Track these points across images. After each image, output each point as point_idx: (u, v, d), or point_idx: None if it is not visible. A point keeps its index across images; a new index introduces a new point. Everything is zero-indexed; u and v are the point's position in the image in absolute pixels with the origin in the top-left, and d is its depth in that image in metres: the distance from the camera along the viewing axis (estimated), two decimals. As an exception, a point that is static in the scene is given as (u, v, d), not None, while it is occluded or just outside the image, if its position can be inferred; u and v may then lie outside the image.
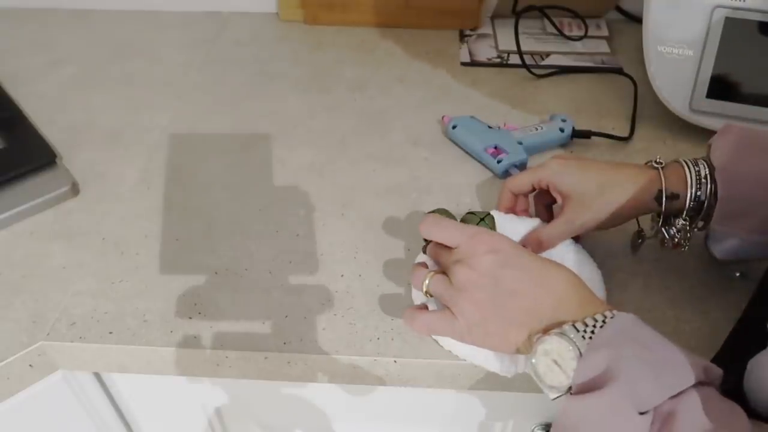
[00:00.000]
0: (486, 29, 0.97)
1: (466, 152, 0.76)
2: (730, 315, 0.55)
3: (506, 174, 0.72)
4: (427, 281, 0.51)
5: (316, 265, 0.63)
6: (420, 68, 0.90)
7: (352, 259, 0.64)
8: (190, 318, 0.59)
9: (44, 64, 0.90)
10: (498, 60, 0.91)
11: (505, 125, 0.77)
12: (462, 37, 0.96)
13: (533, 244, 0.57)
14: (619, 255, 0.63)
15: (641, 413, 0.39)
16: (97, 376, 0.67)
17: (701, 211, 0.54)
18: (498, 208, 0.61)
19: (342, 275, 0.62)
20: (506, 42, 0.94)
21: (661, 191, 0.55)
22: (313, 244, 0.65)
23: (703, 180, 0.54)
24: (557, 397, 0.43)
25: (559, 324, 0.44)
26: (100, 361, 0.59)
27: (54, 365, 0.60)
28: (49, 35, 0.97)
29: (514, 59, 0.91)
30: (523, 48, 0.90)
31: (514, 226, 0.61)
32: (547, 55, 0.92)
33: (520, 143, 0.73)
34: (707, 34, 0.71)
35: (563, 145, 0.77)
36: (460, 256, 0.49)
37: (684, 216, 0.55)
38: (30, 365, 0.58)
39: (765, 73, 0.71)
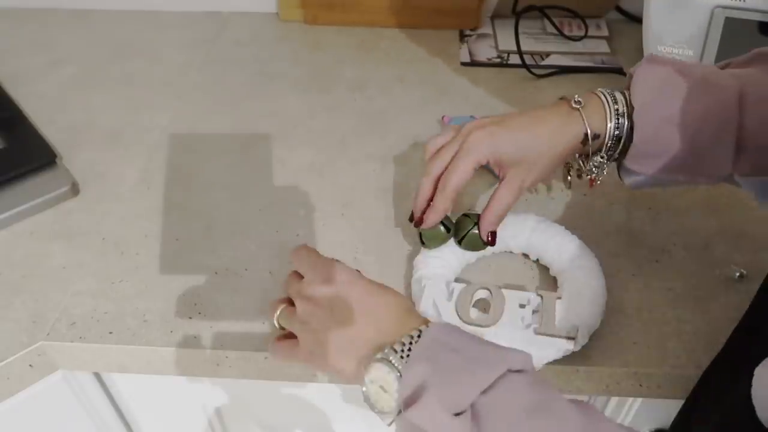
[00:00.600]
0: (486, 29, 0.97)
1: None
2: (730, 315, 0.55)
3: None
4: (278, 313, 0.51)
5: (316, 265, 0.63)
6: (420, 68, 0.90)
7: (352, 259, 0.64)
8: (190, 318, 0.59)
9: (44, 64, 0.90)
10: (498, 60, 0.91)
11: None
12: (462, 37, 0.96)
13: (490, 221, 0.57)
14: (620, 255, 0.63)
15: (458, 413, 0.39)
16: (97, 376, 0.67)
17: (617, 147, 0.56)
18: (432, 217, 0.58)
19: (342, 275, 0.62)
20: (506, 42, 0.94)
21: (586, 135, 0.55)
22: (313, 244, 0.65)
23: (620, 118, 0.54)
24: (391, 422, 0.44)
25: (382, 348, 0.44)
26: (100, 361, 0.59)
27: (54, 365, 0.60)
28: (49, 35, 0.97)
29: (514, 59, 0.91)
30: (523, 48, 0.90)
31: (513, 225, 0.61)
32: (547, 55, 0.92)
33: None
34: (707, 34, 0.71)
35: None
36: (302, 286, 0.49)
37: (601, 153, 0.56)
38: (30, 365, 0.58)
39: (765, 73, 0.70)
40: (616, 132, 0.55)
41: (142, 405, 0.71)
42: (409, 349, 0.43)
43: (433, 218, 0.57)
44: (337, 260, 0.50)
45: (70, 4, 1.01)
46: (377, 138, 0.78)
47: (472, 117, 0.77)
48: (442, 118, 0.79)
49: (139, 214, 0.69)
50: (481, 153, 0.55)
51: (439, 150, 0.58)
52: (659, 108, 0.53)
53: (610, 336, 0.56)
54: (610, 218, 0.67)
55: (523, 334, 0.54)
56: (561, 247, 0.60)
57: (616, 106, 0.55)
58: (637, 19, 0.96)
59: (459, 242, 0.59)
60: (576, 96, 0.56)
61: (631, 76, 0.55)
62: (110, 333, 0.58)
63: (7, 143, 0.74)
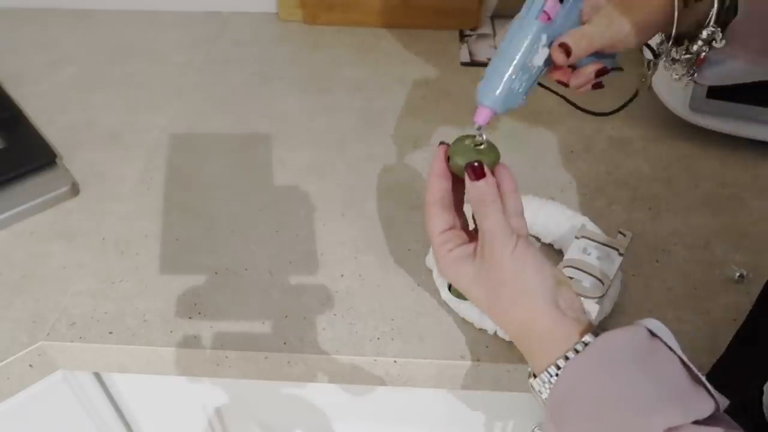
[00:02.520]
0: (486, 29, 0.97)
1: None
2: (731, 315, 0.55)
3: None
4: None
5: (316, 265, 0.63)
6: (420, 68, 0.90)
7: (352, 259, 0.64)
8: (190, 318, 0.59)
9: (44, 64, 0.90)
10: (498, 60, 0.91)
11: None
12: (462, 37, 0.96)
13: (574, 37, 0.49)
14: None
15: None
16: (97, 376, 0.67)
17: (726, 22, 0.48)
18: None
19: (342, 275, 0.62)
20: (506, 42, 0.94)
21: None
22: (313, 244, 0.65)
23: None
24: None
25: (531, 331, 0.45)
26: (100, 361, 0.59)
27: (54, 365, 0.60)
28: (49, 35, 0.97)
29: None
30: (523, 48, 0.90)
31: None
32: (547, 55, 0.92)
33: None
34: (707, 34, 0.70)
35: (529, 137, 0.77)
36: None
37: (712, 24, 0.48)
38: (30, 365, 0.58)
39: (765, 73, 0.70)
40: None
41: (142, 405, 0.71)
42: (550, 383, 0.42)
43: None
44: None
45: (70, 4, 1.01)
46: (377, 138, 0.78)
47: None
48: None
49: (139, 214, 0.69)
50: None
51: None
52: None
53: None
54: (610, 218, 0.67)
55: None
56: (563, 222, 0.62)
57: None
58: (637, 19, 0.96)
59: (449, 288, 0.58)
60: None
61: None
62: (110, 333, 0.58)
63: (7, 143, 0.74)
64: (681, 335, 0.56)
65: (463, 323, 0.58)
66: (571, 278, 0.56)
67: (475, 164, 0.47)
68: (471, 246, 0.48)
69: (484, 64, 0.90)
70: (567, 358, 0.41)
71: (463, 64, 0.91)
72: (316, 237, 0.66)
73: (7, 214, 0.67)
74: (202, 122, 0.81)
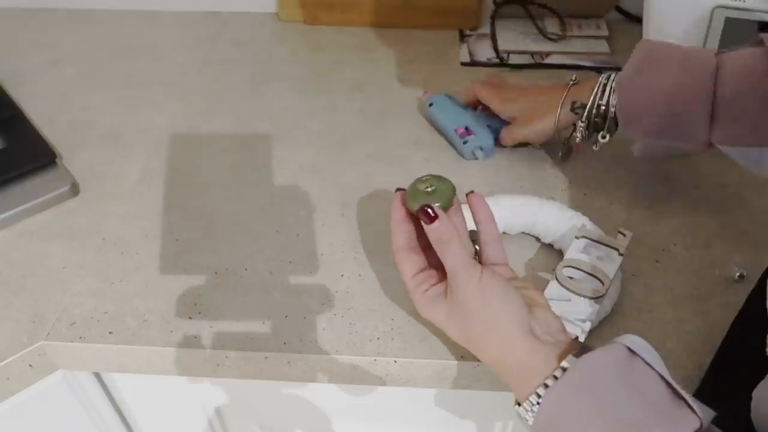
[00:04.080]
0: (486, 29, 0.97)
1: (437, 131, 0.78)
2: (730, 316, 0.55)
3: (472, 155, 0.74)
4: None
5: (316, 265, 0.63)
6: (420, 68, 0.90)
7: (352, 259, 0.64)
8: (190, 318, 0.59)
9: (44, 64, 0.90)
10: (498, 60, 0.91)
11: (480, 107, 0.78)
12: (462, 37, 0.96)
13: (503, 137, 0.73)
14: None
15: None
16: (97, 376, 0.67)
17: (606, 118, 0.63)
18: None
19: (342, 275, 0.62)
20: (506, 42, 0.94)
21: (574, 103, 0.64)
22: (313, 244, 0.65)
23: (608, 91, 0.62)
24: None
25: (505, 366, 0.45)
26: (100, 361, 0.59)
27: (54, 365, 0.60)
28: (49, 35, 0.97)
29: (515, 59, 0.91)
30: (523, 48, 0.90)
31: (513, 207, 0.64)
32: (547, 55, 0.92)
33: (489, 126, 0.75)
34: (707, 34, 0.71)
35: None
36: None
37: (583, 118, 0.64)
38: (30, 365, 0.58)
39: (765, 73, 0.70)
40: (600, 102, 0.62)
41: (142, 405, 0.71)
42: (533, 411, 0.42)
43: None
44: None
45: (70, 4, 1.01)
46: (377, 138, 0.78)
47: (449, 96, 0.79)
48: (423, 93, 0.82)
49: (139, 214, 0.69)
50: (495, 107, 0.74)
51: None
52: (638, 77, 0.59)
53: (610, 336, 0.56)
54: (610, 218, 0.67)
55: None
56: (563, 221, 0.62)
57: (605, 83, 0.62)
58: (637, 19, 0.96)
59: None
60: (574, 76, 0.68)
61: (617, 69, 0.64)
62: (110, 333, 0.58)
63: (7, 143, 0.74)
64: (681, 335, 0.57)
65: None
66: (571, 278, 0.56)
67: (427, 209, 0.49)
68: (443, 285, 0.50)
69: (484, 64, 0.91)
70: (546, 386, 0.41)
71: (463, 64, 0.91)
72: (316, 237, 0.66)
73: (7, 214, 0.67)
74: (202, 122, 0.81)
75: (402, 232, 0.51)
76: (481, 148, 0.74)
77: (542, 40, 0.94)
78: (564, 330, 0.47)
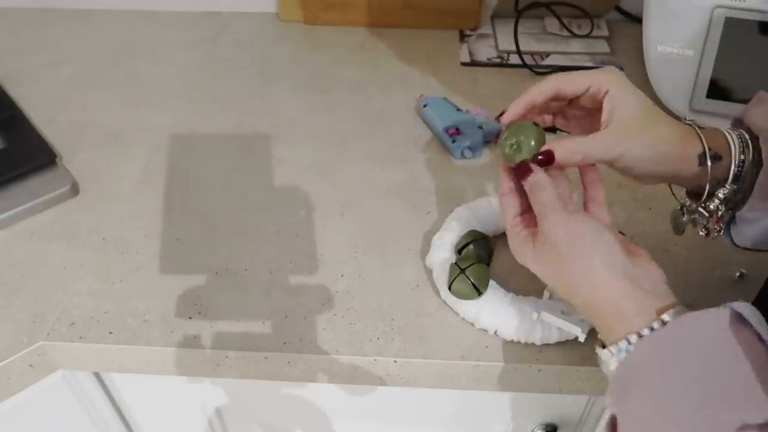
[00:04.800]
0: (486, 29, 0.97)
1: (432, 131, 0.79)
2: (730, 315, 0.55)
3: (461, 155, 0.74)
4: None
5: (316, 265, 0.63)
6: (420, 68, 0.90)
7: (352, 259, 0.64)
8: (190, 318, 0.59)
9: (44, 64, 0.90)
10: (498, 60, 0.91)
11: (475, 110, 0.79)
12: (462, 37, 0.96)
13: (563, 146, 0.49)
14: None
15: None
16: (97, 376, 0.67)
17: (739, 181, 0.48)
18: (522, 98, 0.53)
19: (342, 275, 0.62)
20: (506, 42, 0.94)
21: (705, 150, 0.48)
22: (313, 244, 0.65)
23: (745, 147, 0.48)
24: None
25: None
26: (100, 361, 0.59)
27: (54, 365, 0.60)
28: (49, 35, 0.97)
29: (515, 59, 0.91)
30: (523, 48, 0.90)
31: None
32: (547, 55, 0.92)
33: (481, 127, 0.75)
34: (707, 34, 0.71)
35: None
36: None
37: (729, 183, 0.48)
38: (30, 365, 0.58)
39: (765, 73, 0.71)
40: (742, 157, 0.48)
41: (142, 405, 0.71)
42: (617, 361, 0.41)
43: (520, 100, 0.53)
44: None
45: (70, 4, 1.01)
46: (377, 138, 0.78)
47: (444, 99, 0.80)
48: (420, 96, 0.82)
49: (139, 214, 0.69)
50: (610, 79, 0.49)
51: None
52: None
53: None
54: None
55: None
56: None
57: (738, 133, 0.49)
58: (637, 19, 0.96)
59: (458, 252, 0.60)
60: (685, 117, 0.51)
61: (740, 119, 0.50)
62: (110, 333, 0.58)
63: (7, 143, 0.74)
64: (681, 335, 0.56)
65: (463, 323, 0.58)
66: None
67: (517, 167, 0.50)
68: (534, 229, 0.49)
69: (484, 64, 0.91)
70: (640, 336, 0.40)
71: (463, 64, 0.91)
72: (316, 237, 0.66)
73: (7, 214, 0.67)
74: (202, 122, 0.81)
75: (507, 179, 0.51)
76: (470, 148, 0.74)
77: (542, 39, 0.94)
78: (666, 282, 0.45)
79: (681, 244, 0.64)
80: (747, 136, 0.48)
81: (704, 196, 0.50)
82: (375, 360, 0.56)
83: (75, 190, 0.71)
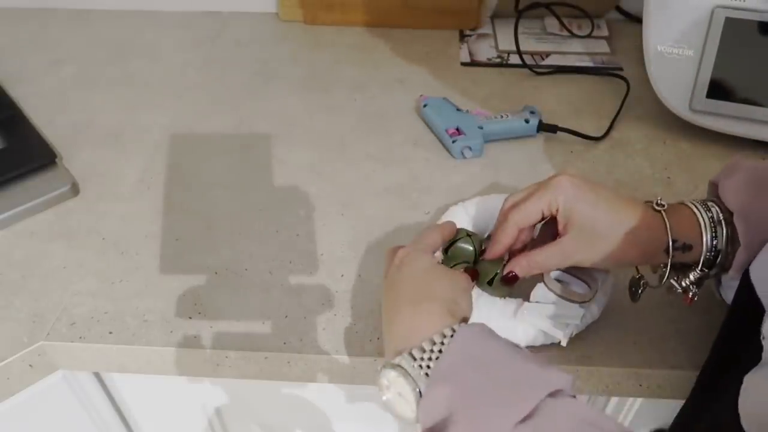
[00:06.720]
0: (486, 29, 0.97)
1: (432, 132, 0.79)
2: (730, 315, 0.55)
3: (461, 155, 0.74)
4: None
5: (316, 265, 0.63)
6: (420, 68, 0.90)
7: (352, 259, 0.64)
8: (190, 318, 0.59)
9: (44, 64, 0.90)
10: (498, 60, 0.91)
11: (475, 110, 0.79)
12: (462, 37, 0.96)
13: (521, 266, 0.51)
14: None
15: None
16: (97, 376, 0.67)
17: (716, 260, 0.48)
18: (493, 249, 0.52)
19: (342, 275, 0.62)
20: (506, 42, 0.94)
21: (670, 243, 0.48)
22: (313, 244, 0.65)
23: (718, 226, 0.48)
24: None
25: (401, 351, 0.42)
26: (100, 361, 0.59)
27: (54, 365, 0.60)
28: (49, 35, 0.97)
29: (514, 59, 0.91)
30: (523, 48, 0.90)
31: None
32: (547, 55, 0.92)
33: (481, 128, 0.76)
34: (707, 34, 0.71)
35: (528, 137, 0.78)
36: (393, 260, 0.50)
37: (699, 268, 0.49)
38: (30, 365, 0.58)
39: (765, 73, 0.71)
40: (714, 242, 0.48)
41: (142, 405, 0.71)
42: (429, 359, 0.40)
43: (492, 251, 0.52)
44: (408, 246, 0.50)
45: (70, 4, 1.01)
46: (377, 138, 0.78)
47: (444, 99, 0.80)
48: (420, 96, 0.82)
49: (139, 214, 0.69)
50: (558, 196, 0.49)
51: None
52: (758, 205, 0.47)
53: (610, 336, 0.56)
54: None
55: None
56: None
57: (709, 213, 0.48)
58: (637, 19, 0.96)
59: (489, 283, 0.58)
60: (659, 198, 0.51)
61: (716, 185, 0.50)
62: (110, 333, 0.58)
63: (7, 143, 0.74)
64: (681, 335, 0.56)
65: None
66: (559, 281, 0.55)
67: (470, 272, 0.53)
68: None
69: (484, 64, 0.91)
70: (444, 336, 0.41)
71: (463, 64, 0.91)
72: (316, 237, 0.66)
73: (7, 214, 0.67)
74: (202, 122, 0.81)
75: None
76: (470, 148, 0.74)
77: (542, 39, 0.94)
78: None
79: (681, 244, 0.64)
80: (720, 215, 0.48)
81: (668, 273, 0.51)
82: (375, 360, 0.56)
83: (75, 190, 0.71)
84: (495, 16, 0.99)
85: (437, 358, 0.40)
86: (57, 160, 0.73)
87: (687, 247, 0.48)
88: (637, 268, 0.55)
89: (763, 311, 0.42)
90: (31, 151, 0.73)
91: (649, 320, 0.58)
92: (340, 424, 0.71)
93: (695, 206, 0.49)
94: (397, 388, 0.40)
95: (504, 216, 0.51)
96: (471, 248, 0.57)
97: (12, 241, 0.66)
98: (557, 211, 0.49)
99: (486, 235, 0.63)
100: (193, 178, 0.73)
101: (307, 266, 0.63)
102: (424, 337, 0.41)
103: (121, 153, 0.76)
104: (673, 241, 0.48)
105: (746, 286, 0.45)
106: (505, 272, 0.52)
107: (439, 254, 0.59)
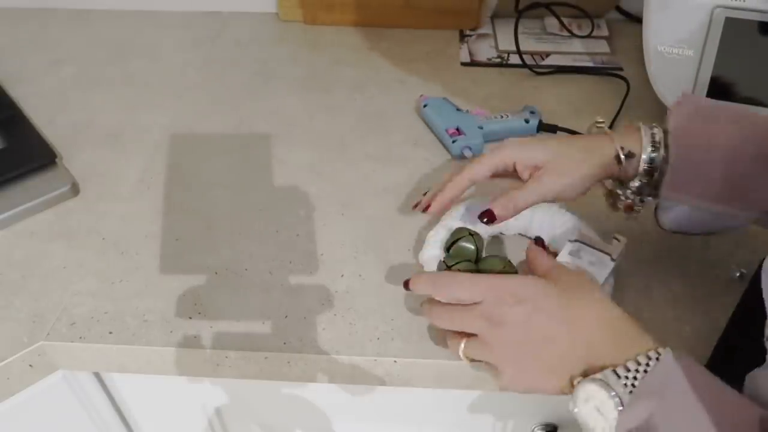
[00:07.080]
0: (486, 29, 0.97)
1: (432, 131, 0.79)
2: (730, 315, 0.55)
3: (461, 156, 0.74)
4: (462, 347, 0.49)
5: (316, 265, 0.63)
6: (420, 68, 0.90)
7: (352, 259, 0.64)
8: (190, 318, 0.59)
9: (44, 64, 0.90)
10: (498, 60, 0.91)
11: (475, 110, 0.79)
12: (462, 37, 0.96)
13: (501, 204, 0.54)
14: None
15: None
16: (97, 376, 0.67)
17: (653, 175, 0.54)
18: (443, 197, 0.57)
19: (342, 275, 0.62)
20: (506, 42, 0.94)
21: (619, 149, 0.54)
22: (313, 244, 0.65)
23: (657, 143, 0.53)
24: None
25: (599, 368, 0.43)
26: (100, 361, 0.59)
27: (54, 365, 0.60)
28: (49, 35, 0.97)
29: (514, 59, 0.91)
30: (523, 48, 0.90)
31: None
32: (547, 55, 0.92)
33: (481, 128, 0.76)
34: (707, 34, 0.71)
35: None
36: (485, 313, 0.47)
37: (639, 178, 0.54)
38: (30, 365, 0.58)
39: (765, 73, 0.71)
40: (652, 154, 0.53)
41: (142, 405, 0.71)
42: (635, 377, 0.41)
43: (436, 204, 0.57)
44: (501, 276, 0.50)
45: (70, 4, 1.01)
46: (377, 138, 0.78)
47: (444, 99, 0.80)
48: (420, 96, 0.82)
49: (139, 214, 0.69)
50: (505, 152, 0.55)
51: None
52: (694, 132, 0.52)
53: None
54: (609, 219, 0.67)
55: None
56: (558, 224, 0.62)
57: (652, 132, 0.54)
58: (637, 19, 0.96)
59: (447, 250, 0.59)
60: (598, 117, 0.59)
61: (669, 112, 0.55)
62: (110, 333, 0.58)
63: (7, 143, 0.74)
64: (681, 335, 0.57)
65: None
66: (577, 249, 0.56)
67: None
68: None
69: (484, 64, 0.91)
70: (658, 353, 0.42)
71: (463, 64, 0.91)
72: (316, 237, 0.66)
73: (7, 214, 0.67)
74: (202, 122, 0.81)
75: None
76: (470, 148, 0.74)
77: (542, 39, 0.94)
78: None
79: (681, 245, 0.64)
80: (661, 135, 0.53)
81: (621, 186, 0.57)
82: (375, 360, 0.56)
83: (75, 190, 0.71)
84: (495, 16, 0.99)
85: (645, 373, 0.41)
86: (57, 160, 0.73)
87: (630, 155, 0.54)
88: (603, 184, 0.60)
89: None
90: (31, 151, 0.73)
91: (648, 321, 0.58)
92: (340, 424, 0.71)
93: (642, 127, 0.55)
94: (596, 402, 0.42)
95: (458, 170, 0.57)
96: (473, 247, 0.58)
97: (12, 241, 0.66)
98: (516, 164, 0.55)
99: (488, 235, 0.63)
100: (193, 178, 0.73)
101: (307, 266, 0.63)
102: (628, 357, 0.42)
103: (121, 153, 0.76)
104: (621, 148, 0.54)
105: (755, 286, 0.46)
106: (482, 217, 0.54)
107: (441, 253, 0.59)
